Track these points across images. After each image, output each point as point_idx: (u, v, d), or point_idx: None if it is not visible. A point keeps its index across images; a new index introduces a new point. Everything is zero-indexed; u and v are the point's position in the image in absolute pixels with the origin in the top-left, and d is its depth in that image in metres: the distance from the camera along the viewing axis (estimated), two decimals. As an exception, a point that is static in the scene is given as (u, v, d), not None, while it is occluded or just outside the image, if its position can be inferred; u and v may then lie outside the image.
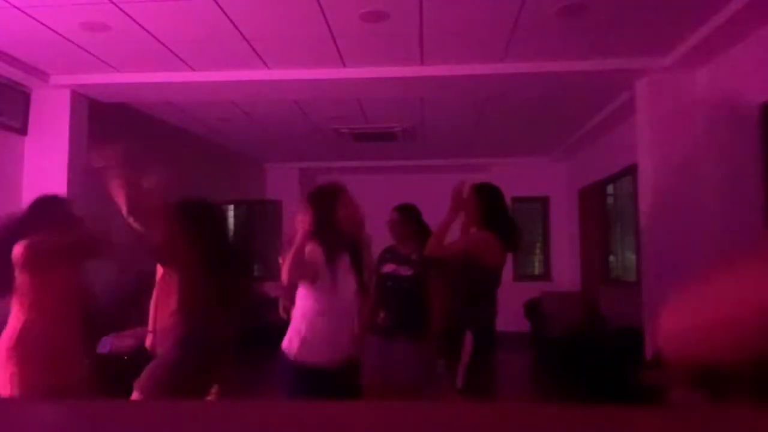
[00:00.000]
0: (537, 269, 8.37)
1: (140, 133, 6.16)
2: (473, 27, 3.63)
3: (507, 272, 3.40)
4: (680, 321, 0.78)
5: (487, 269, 2.99)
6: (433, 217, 3.66)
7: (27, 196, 4.51)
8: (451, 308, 3.10)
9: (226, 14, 3.41)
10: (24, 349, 2.59)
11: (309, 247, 2.47)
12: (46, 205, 2.82)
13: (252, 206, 8.74)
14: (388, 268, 3.49)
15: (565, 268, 7.91)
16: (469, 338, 2.90)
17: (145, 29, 3.60)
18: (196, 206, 2.73)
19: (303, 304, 2.54)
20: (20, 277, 2.62)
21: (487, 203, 3.09)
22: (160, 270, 3.35)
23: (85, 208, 4.18)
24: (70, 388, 2.69)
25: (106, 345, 4.50)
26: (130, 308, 4.02)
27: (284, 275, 2.43)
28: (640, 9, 3.38)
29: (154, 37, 3.74)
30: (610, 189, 6.77)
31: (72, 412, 1.23)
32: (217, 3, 3.26)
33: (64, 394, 2.65)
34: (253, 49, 3.97)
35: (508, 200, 3.37)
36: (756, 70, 3.49)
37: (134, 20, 3.47)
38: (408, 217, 3.53)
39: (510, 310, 5.53)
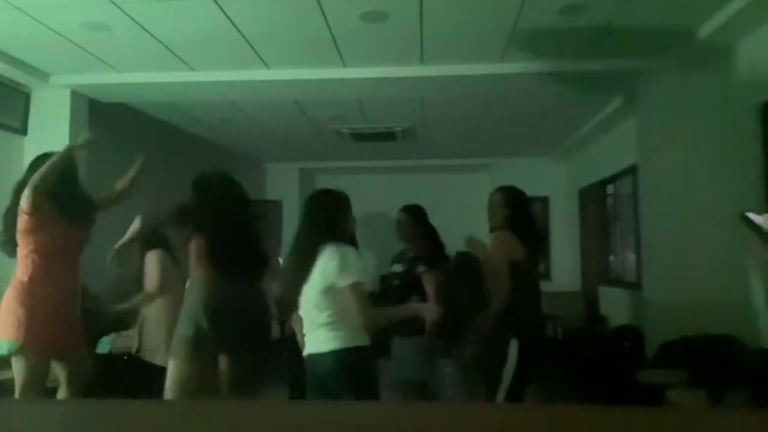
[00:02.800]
0: (537, 269, 8.36)
1: (140, 133, 6.17)
2: (473, 27, 3.62)
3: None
4: None
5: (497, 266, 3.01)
6: (433, 217, 3.68)
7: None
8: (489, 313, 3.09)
9: (226, 14, 3.40)
10: (31, 298, 2.73)
11: None
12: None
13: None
14: (396, 267, 3.58)
15: (565, 268, 7.90)
16: (513, 347, 2.93)
17: (145, 29, 3.60)
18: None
19: None
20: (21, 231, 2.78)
21: (510, 207, 3.17)
22: None
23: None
24: (67, 349, 2.84)
25: (106, 345, 4.49)
26: (130, 308, 4.03)
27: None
28: (641, 9, 3.38)
29: (154, 37, 3.73)
30: (610, 189, 6.76)
31: (72, 412, 1.23)
32: (217, 3, 3.26)
33: (61, 354, 2.82)
34: (253, 49, 3.97)
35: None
36: (756, 70, 3.49)
37: (134, 20, 3.46)
38: (413, 218, 3.56)
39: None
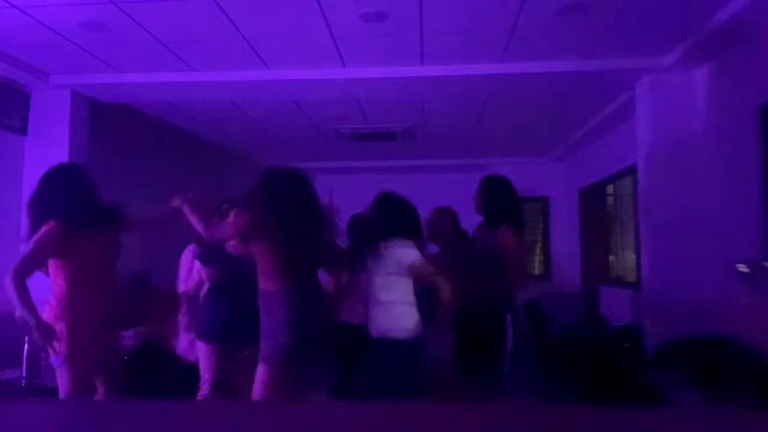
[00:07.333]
0: (537, 269, 8.36)
1: (140, 133, 6.17)
2: (473, 27, 3.63)
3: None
4: None
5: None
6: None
7: (27, 197, 4.52)
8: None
9: (226, 14, 3.41)
10: (71, 314, 2.73)
11: None
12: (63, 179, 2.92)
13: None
14: None
15: (565, 268, 7.90)
16: (509, 323, 3.13)
17: (145, 29, 3.60)
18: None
19: None
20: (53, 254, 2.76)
21: (496, 197, 3.31)
22: None
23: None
24: (107, 361, 2.89)
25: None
26: (130, 308, 4.02)
27: None
28: (640, 9, 3.38)
29: (154, 37, 3.74)
30: (610, 189, 6.76)
31: (72, 412, 1.23)
32: (217, 3, 3.26)
33: (102, 366, 2.86)
34: (253, 49, 3.97)
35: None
36: (756, 70, 3.49)
37: (134, 20, 3.46)
38: (443, 219, 3.67)
39: (510, 310, 5.51)
